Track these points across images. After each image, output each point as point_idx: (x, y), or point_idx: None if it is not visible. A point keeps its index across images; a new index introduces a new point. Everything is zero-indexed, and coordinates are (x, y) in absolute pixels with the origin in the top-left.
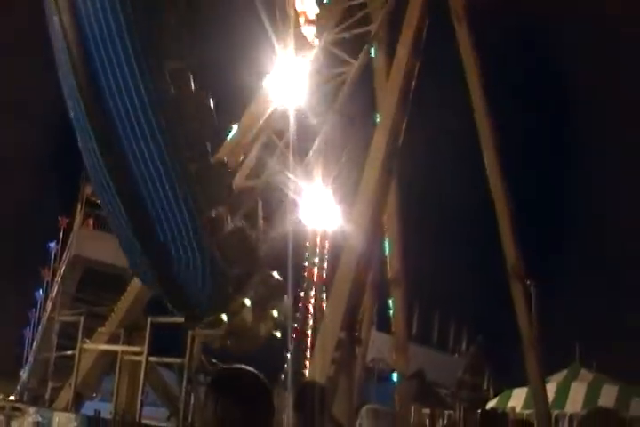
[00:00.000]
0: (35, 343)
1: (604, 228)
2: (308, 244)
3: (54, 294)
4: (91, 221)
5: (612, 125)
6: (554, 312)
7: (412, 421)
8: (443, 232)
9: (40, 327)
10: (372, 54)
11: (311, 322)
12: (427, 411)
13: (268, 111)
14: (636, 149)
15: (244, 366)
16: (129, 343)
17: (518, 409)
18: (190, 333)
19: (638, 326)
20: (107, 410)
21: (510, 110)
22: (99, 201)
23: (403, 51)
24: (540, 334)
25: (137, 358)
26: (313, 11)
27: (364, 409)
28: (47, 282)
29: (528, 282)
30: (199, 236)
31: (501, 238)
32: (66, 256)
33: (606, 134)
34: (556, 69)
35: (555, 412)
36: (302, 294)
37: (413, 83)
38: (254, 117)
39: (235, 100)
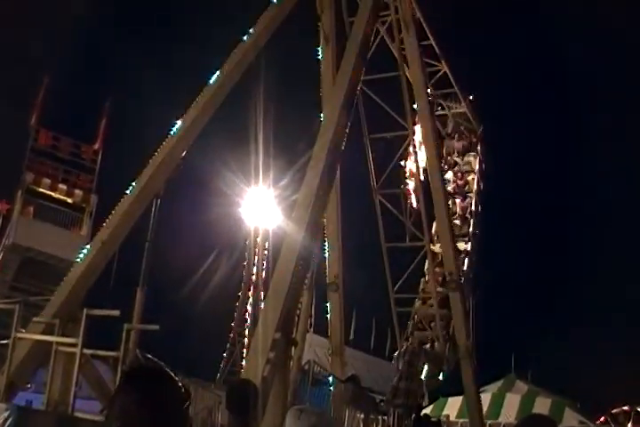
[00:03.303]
0: None
1: (544, 240)
2: (247, 243)
3: None
4: (31, 209)
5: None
6: (491, 323)
7: (345, 425)
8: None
9: None
10: (320, 57)
11: (248, 321)
12: (360, 416)
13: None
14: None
15: (158, 365)
16: (64, 335)
17: (452, 418)
18: (126, 326)
19: (574, 338)
20: (39, 401)
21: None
22: (40, 189)
23: (350, 55)
24: (477, 344)
25: (71, 349)
26: None
27: (290, 410)
28: None
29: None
30: None
31: (442, 248)
32: (4, 243)
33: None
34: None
35: (488, 422)
36: (240, 293)
37: (358, 88)
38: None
39: None
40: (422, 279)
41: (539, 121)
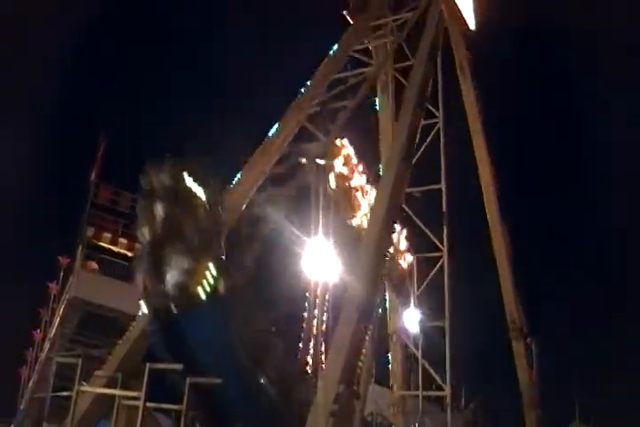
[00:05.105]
0: (31, 383)
1: (607, 283)
2: (308, 295)
3: (52, 335)
4: (94, 264)
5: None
6: (553, 368)
7: None
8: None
9: (37, 367)
10: (378, 108)
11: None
12: None
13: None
14: None
15: None
16: (126, 388)
17: None
18: (188, 380)
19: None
20: None
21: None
22: (101, 244)
23: (407, 108)
24: (541, 391)
25: (134, 403)
26: None
27: None
28: (45, 322)
29: (529, 339)
30: None
31: (503, 295)
32: (65, 297)
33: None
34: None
35: None
36: (301, 344)
37: (417, 138)
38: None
39: None
40: None
41: None
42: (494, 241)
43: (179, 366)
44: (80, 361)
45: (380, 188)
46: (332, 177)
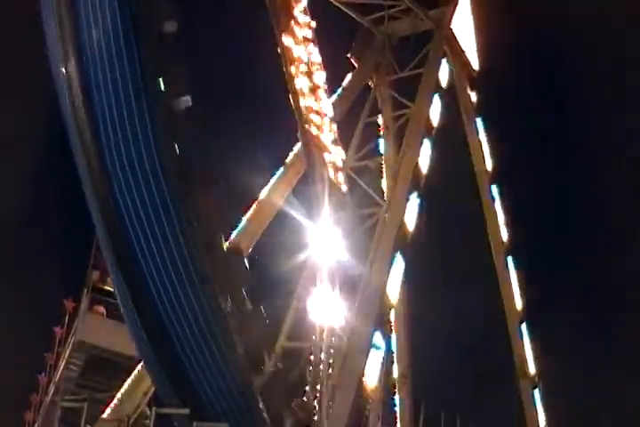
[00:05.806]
0: None
1: (617, 327)
2: (314, 338)
3: (57, 379)
4: (102, 309)
5: None
6: (562, 411)
7: None
8: (450, 332)
9: (41, 411)
10: (382, 149)
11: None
12: None
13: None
14: None
15: None
16: None
17: None
18: (195, 424)
19: None
20: None
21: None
22: (106, 287)
23: (412, 146)
24: None
25: None
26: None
27: None
28: (50, 366)
29: (537, 382)
30: None
31: (510, 338)
32: (70, 341)
33: None
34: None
35: None
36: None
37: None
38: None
39: None
40: None
41: None
42: (502, 289)
43: (185, 411)
44: (85, 405)
45: (385, 233)
46: None
